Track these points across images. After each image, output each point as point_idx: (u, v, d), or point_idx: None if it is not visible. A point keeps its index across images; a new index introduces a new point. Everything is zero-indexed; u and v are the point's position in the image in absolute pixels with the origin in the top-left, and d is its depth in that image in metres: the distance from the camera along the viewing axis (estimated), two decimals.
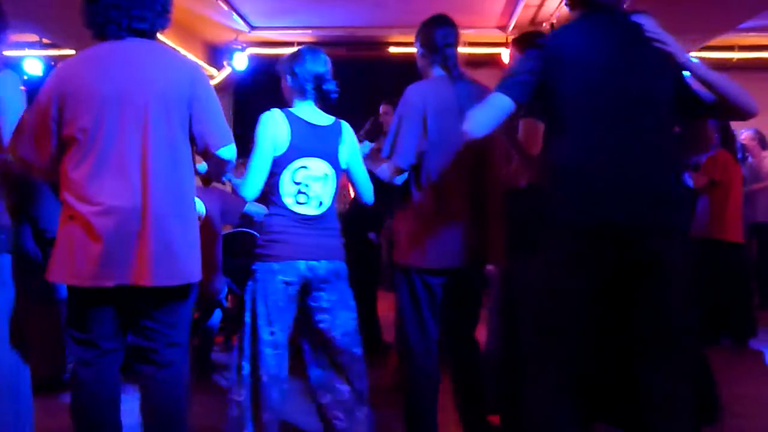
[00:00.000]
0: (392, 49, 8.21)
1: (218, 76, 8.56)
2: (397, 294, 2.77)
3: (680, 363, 2.16)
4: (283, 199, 2.59)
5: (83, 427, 2.29)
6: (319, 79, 2.64)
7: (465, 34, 8.39)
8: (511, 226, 2.78)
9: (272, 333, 2.57)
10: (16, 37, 7.49)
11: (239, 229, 4.69)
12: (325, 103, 2.70)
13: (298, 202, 2.59)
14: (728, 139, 5.02)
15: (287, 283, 2.57)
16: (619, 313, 2.19)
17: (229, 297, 4.58)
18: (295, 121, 2.60)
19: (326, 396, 2.67)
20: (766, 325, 5.57)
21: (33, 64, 7.58)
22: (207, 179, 3.85)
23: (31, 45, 7.55)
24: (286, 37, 7.99)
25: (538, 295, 2.28)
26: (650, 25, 2.18)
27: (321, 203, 2.62)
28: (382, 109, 4.20)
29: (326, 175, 2.62)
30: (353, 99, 3.73)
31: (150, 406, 2.34)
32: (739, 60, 8.24)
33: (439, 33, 2.71)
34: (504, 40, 7.66)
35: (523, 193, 2.81)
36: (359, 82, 6.99)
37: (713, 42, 7.33)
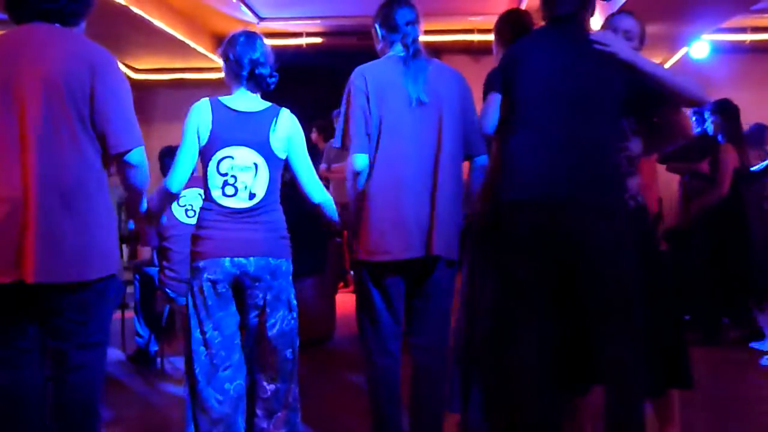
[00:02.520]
0: None
1: None
2: (355, 290, 2.69)
3: (620, 331, 2.37)
4: (211, 192, 2.46)
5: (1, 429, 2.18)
6: (253, 64, 2.50)
7: (474, 21, 8.39)
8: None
9: (204, 332, 2.46)
10: None
11: None
12: (262, 90, 2.57)
13: (226, 195, 2.45)
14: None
15: (214, 281, 2.44)
16: (569, 285, 2.43)
17: None
18: (219, 109, 2.47)
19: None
20: None
21: None
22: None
23: None
24: (295, 27, 7.97)
25: (502, 266, 2.60)
26: (601, 30, 2.58)
27: (253, 195, 2.46)
28: None
29: (255, 164, 2.46)
30: None
31: (58, 412, 2.18)
32: (753, 42, 8.15)
33: (399, 12, 2.62)
34: None
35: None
36: None
37: (726, 24, 7.25)
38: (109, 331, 2.27)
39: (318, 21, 7.87)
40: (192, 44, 7.56)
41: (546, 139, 2.42)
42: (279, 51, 2.66)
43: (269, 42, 2.61)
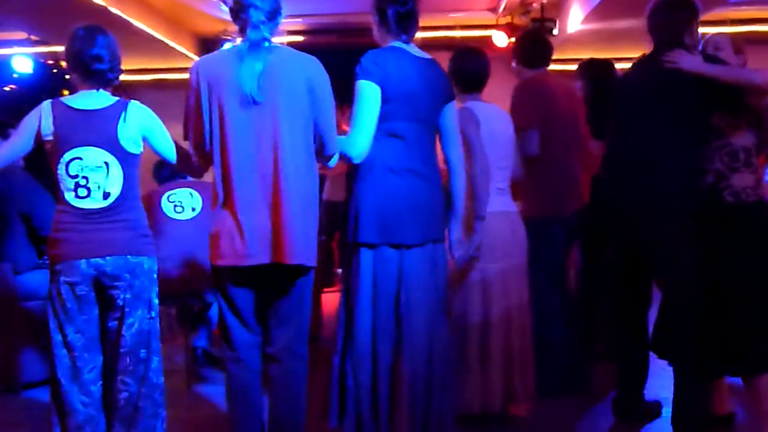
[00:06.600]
0: None
1: None
2: None
3: (673, 316, 2.74)
4: (65, 195, 2.42)
5: None
6: (90, 60, 2.40)
7: (456, 17, 8.40)
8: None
9: (65, 335, 2.44)
10: (4, 35, 7.45)
11: None
12: (104, 85, 2.47)
13: (79, 196, 2.41)
14: None
15: (71, 284, 2.42)
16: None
17: None
18: (60, 110, 2.41)
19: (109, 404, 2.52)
20: None
21: (22, 62, 7.53)
22: None
23: (20, 42, 7.49)
24: None
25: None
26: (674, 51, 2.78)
27: (107, 194, 2.42)
28: None
29: (106, 163, 2.41)
30: (347, 85, 3.70)
31: None
32: (732, 34, 8.20)
33: None
34: (494, 23, 7.62)
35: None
36: (352, 69, 6.95)
37: (706, 17, 7.29)
38: None
39: (299, 19, 7.83)
40: (173, 44, 7.51)
41: (619, 150, 2.95)
42: None
43: None
